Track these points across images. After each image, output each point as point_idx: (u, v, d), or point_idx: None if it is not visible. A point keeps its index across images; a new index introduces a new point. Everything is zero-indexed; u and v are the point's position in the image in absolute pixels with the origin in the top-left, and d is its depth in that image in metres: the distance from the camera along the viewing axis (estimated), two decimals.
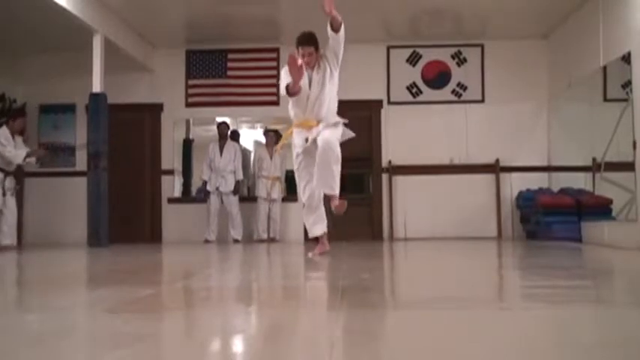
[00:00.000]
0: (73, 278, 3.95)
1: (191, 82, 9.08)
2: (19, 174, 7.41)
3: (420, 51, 8.96)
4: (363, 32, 8.55)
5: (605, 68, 6.99)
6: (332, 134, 4.73)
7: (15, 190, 7.09)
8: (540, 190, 8.28)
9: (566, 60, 8.05)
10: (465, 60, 8.94)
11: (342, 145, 4.88)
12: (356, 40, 8.67)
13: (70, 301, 2.70)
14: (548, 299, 2.60)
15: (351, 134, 4.99)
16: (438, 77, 8.94)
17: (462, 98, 8.91)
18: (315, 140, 4.75)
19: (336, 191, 4.69)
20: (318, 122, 4.80)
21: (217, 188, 8.43)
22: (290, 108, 4.94)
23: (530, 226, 8.16)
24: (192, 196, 9.54)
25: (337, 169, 4.67)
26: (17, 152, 6.94)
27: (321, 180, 4.67)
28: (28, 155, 7.08)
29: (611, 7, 6.73)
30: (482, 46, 8.92)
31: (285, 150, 7.44)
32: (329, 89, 4.80)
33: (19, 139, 7.29)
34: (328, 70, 4.76)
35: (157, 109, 9.09)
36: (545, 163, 8.74)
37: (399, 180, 8.84)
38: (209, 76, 9.06)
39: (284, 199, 8.65)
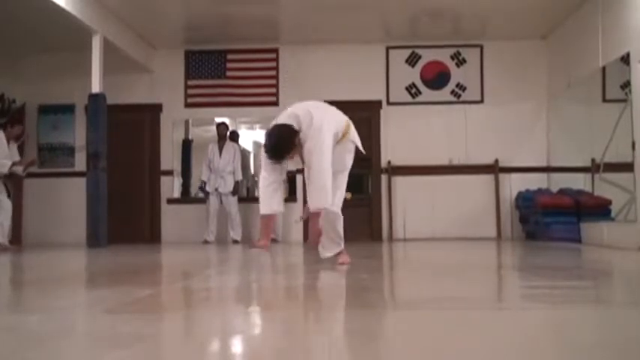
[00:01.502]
0: (72, 278, 3.95)
1: (190, 82, 9.08)
2: (10, 179, 7.36)
3: (420, 51, 8.96)
4: (362, 33, 8.58)
5: (604, 69, 6.99)
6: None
7: (7, 192, 7.07)
8: (539, 190, 8.28)
9: (566, 60, 8.05)
10: (464, 60, 8.94)
11: None
12: (355, 41, 8.76)
13: (69, 301, 2.70)
14: (548, 299, 2.60)
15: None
16: (437, 78, 8.95)
17: (462, 99, 8.91)
18: None
19: (342, 245, 4.27)
20: None
21: (216, 189, 8.42)
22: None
23: (529, 227, 8.16)
24: (191, 196, 9.54)
25: (340, 225, 4.18)
26: (2, 161, 6.89)
27: (326, 237, 4.25)
28: (13, 164, 7.04)
29: (611, 7, 6.73)
30: (481, 47, 8.93)
31: None
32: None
33: (13, 145, 7.28)
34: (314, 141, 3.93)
35: (156, 109, 9.08)
36: (544, 164, 8.74)
37: (399, 180, 8.84)
38: (208, 76, 9.06)
39: (286, 200, 8.63)
